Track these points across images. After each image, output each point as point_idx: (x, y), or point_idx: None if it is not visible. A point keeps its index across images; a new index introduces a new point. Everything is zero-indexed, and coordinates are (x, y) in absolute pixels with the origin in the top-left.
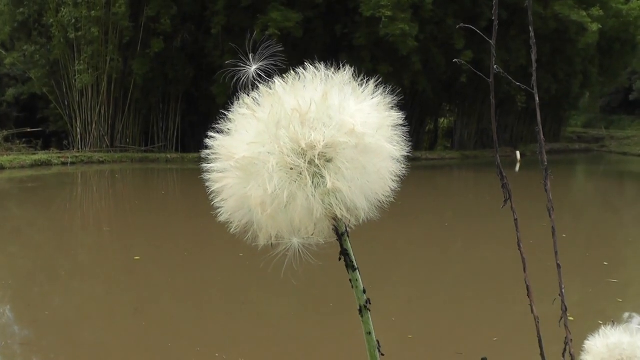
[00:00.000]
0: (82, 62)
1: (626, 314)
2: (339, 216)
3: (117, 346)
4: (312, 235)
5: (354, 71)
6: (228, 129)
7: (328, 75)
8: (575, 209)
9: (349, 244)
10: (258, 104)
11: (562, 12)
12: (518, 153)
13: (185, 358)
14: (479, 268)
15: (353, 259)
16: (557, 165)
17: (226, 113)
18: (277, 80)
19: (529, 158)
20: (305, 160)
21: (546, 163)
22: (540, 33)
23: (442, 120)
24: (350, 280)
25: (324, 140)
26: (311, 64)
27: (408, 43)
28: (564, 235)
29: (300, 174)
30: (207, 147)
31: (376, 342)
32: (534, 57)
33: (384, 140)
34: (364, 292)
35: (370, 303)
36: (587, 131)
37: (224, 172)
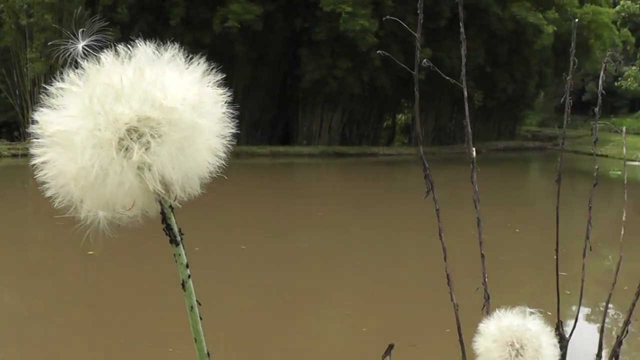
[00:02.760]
0: (34, 49)
1: (572, 305)
2: (152, 190)
3: (69, 343)
4: (130, 208)
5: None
6: (53, 104)
7: (154, 52)
8: (529, 204)
9: (173, 219)
10: (81, 79)
11: (520, 14)
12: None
13: (138, 354)
14: (434, 262)
15: (176, 233)
16: (512, 162)
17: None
18: (102, 56)
19: (485, 155)
20: (116, 135)
21: (473, 156)
22: (499, 34)
23: (400, 116)
24: (174, 254)
25: (133, 115)
26: (138, 42)
27: (368, 39)
28: (517, 230)
29: (113, 148)
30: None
31: (199, 318)
32: (463, 52)
33: (202, 116)
34: (187, 266)
35: (189, 277)
36: (542, 130)
37: (46, 147)
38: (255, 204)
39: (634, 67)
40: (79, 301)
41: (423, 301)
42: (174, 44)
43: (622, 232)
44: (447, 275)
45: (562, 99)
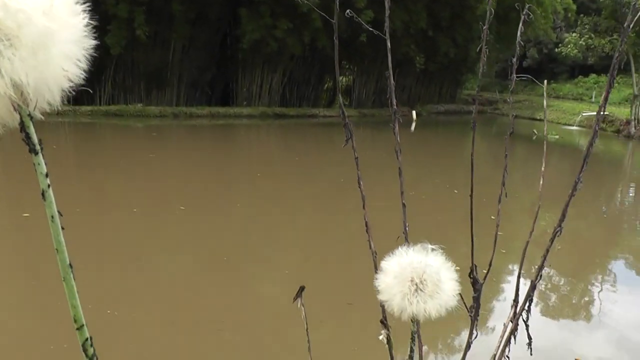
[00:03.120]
0: None
1: (509, 264)
2: (3, 94)
3: (5, 306)
4: None
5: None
6: None
7: None
8: (468, 166)
9: (32, 128)
10: None
11: None
12: (414, 112)
13: None
14: (373, 224)
15: (36, 142)
16: (452, 125)
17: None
18: None
19: (425, 118)
20: None
21: (395, 107)
22: None
23: (340, 78)
24: (34, 164)
25: None
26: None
27: None
28: (456, 191)
29: None
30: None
31: (61, 228)
32: (387, 4)
33: (55, 21)
34: (47, 176)
35: (48, 189)
36: (482, 94)
37: None
38: (194, 165)
39: (574, 34)
40: (16, 263)
41: (361, 261)
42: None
43: (541, 182)
44: (366, 222)
45: (475, 49)
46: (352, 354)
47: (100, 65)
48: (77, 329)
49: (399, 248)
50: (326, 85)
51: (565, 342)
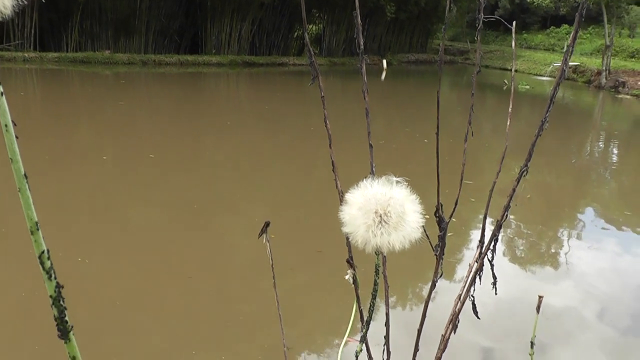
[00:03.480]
0: None
1: (479, 214)
2: None
3: None
4: None
5: None
6: None
7: None
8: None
9: None
10: None
11: None
12: (384, 61)
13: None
14: (342, 172)
15: None
16: (422, 75)
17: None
18: None
19: (395, 68)
20: None
21: (362, 47)
22: None
23: (310, 26)
24: None
25: None
26: None
27: None
28: (426, 141)
29: None
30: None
31: (15, 137)
32: None
33: None
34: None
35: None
36: (453, 44)
37: None
38: (163, 113)
39: None
40: None
41: (329, 209)
42: None
43: (508, 123)
44: (332, 162)
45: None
46: (321, 300)
47: (67, 12)
48: (35, 241)
49: (364, 180)
50: (296, 34)
51: (531, 289)
